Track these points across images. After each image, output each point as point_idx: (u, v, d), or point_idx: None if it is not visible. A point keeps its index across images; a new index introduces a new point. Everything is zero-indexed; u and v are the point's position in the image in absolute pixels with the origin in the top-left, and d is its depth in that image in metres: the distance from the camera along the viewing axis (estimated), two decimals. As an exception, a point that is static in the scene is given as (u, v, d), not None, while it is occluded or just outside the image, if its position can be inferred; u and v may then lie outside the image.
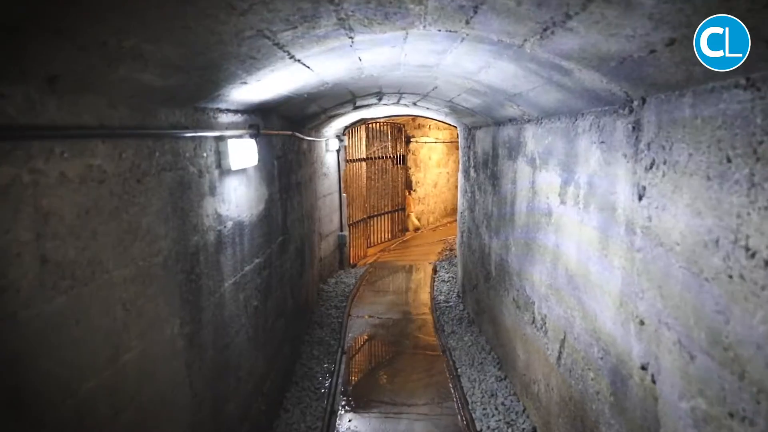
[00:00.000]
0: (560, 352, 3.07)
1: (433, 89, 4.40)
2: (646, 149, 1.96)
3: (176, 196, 2.19)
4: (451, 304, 6.65)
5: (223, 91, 2.43)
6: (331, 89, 3.98)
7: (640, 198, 2.01)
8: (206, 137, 2.54)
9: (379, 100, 5.69)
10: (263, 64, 2.24)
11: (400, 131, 11.40)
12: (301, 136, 5.30)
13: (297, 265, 4.97)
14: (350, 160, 9.13)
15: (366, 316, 6.40)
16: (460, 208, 7.17)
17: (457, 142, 14.46)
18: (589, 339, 2.59)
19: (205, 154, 2.53)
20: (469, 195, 6.23)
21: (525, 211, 3.90)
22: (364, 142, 9.82)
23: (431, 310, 6.53)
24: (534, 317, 3.62)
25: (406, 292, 7.50)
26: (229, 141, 2.76)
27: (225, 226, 2.80)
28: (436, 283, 7.67)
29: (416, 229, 12.13)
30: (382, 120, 10.15)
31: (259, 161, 3.33)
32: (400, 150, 11.43)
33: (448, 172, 13.90)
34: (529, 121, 3.76)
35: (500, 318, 4.64)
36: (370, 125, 10.08)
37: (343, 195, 8.55)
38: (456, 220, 13.51)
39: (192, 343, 2.31)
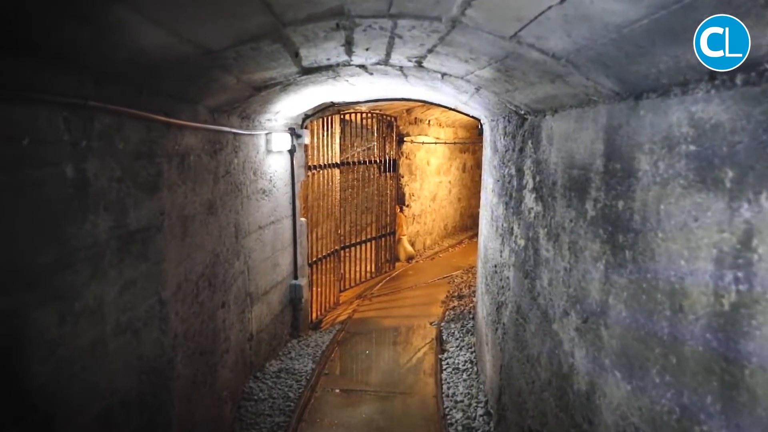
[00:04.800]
0: None
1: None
2: None
3: None
4: (477, 435, 3.66)
5: None
6: None
7: None
8: None
9: (349, 49, 2.71)
10: None
11: (390, 127, 8.37)
12: (154, 116, 2.27)
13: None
14: (316, 167, 6.11)
15: (320, 468, 3.38)
16: (488, 253, 4.15)
17: (462, 143, 11.49)
18: None
19: None
20: (522, 243, 3.23)
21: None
22: (338, 141, 6.79)
23: (442, 451, 3.53)
24: None
25: (395, 397, 4.45)
26: None
27: None
28: (445, 374, 4.67)
29: (409, 259, 9.12)
30: (364, 109, 7.16)
31: None
32: (390, 152, 8.40)
33: (450, 181, 10.96)
34: None
35: None
36: (346, 116, 7.06)
37: (301, 221, 5.53)
38: (461, 243, 10.41)
39: None
